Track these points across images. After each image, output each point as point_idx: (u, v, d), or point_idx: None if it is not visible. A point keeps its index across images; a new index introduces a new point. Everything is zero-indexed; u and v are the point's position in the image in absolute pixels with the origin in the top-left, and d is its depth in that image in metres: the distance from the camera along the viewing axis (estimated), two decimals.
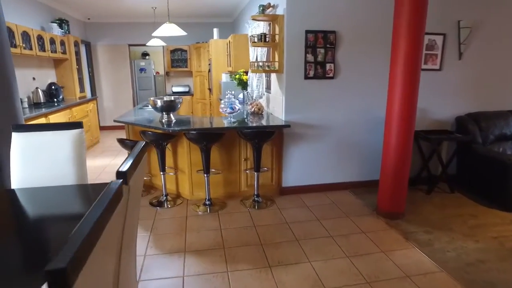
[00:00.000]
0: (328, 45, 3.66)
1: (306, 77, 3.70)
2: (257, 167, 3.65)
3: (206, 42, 7.51)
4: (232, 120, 3.81)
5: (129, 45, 8.20)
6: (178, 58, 8.22)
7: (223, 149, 3.79)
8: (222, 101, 3.78)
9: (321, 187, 4.06)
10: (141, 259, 2.72)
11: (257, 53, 4.49)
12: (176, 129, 3.43)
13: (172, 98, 4.05)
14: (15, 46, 4.46)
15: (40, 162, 2.12)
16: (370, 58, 3.78)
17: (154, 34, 4.43)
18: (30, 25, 5.27)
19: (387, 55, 3.35)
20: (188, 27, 8.17)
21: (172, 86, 8.29)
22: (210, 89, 7.65)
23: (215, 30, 6.69)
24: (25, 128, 2.19)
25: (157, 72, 10.39)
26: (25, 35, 4.73)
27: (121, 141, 3.92)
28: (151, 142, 3.66)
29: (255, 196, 3.76)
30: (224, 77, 6.38)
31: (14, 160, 2.13)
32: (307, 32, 3.59)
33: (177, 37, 8.34)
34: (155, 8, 6.30)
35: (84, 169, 2.24)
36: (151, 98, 3.81)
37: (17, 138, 2.15)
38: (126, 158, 1.35)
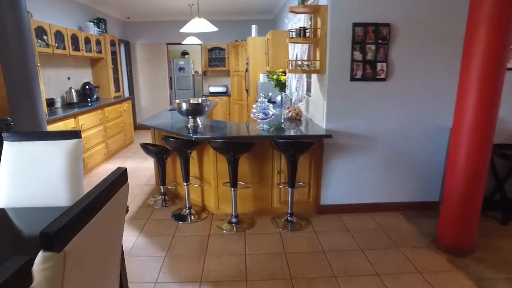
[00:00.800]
0: (380, 41, 3.07)
1: (353, 78, 3.14)
2: (292, 182, 3.16)
3: (245, 40, 7.12)
4: (265, 126, 3.35)
5: (167, 43, 8.04)
6: (215, 57, 7.92)
7: (254, 160, 3.35)
8: (254, 105, 3.33)
9: (365, 207, 3.47)
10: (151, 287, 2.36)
11: (297, 51, 4.00)
12: (199, 136, 3.04)
13: (200, 100, 3.68)
14: (48, 46, 4.34)
15: (29, 178, 1.81)
16: (432, 55, 3.14)
17: (182, 30, 4.09)
18: (69, 25, 5.19)
19: (455, 51, 2.71)
20: (226, 24, 7.88)
21: (210, 86, 8.02)
22: (247, 90, 7.25)
23: (253, 27, 6.27)
24: (17, 137, 1.89)
25: (196, 72, 10.21)
26: (59, 35, 4.61)
27: (144, 147, 3.62)
28: (173, 149, 3.31)
29: (288, 215, 3.27)
30: (262, 78, 5.94)
31: (1, 174, 1.83)
32: (355, 25, 3.03)
33: (215, 35, 8.05)
34: (192, 5, 6.01)
35: (80, 187, 1.90)
36: (176, 101, 3.46)
37: (7, 149, 1.86)
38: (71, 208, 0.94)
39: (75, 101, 5.11)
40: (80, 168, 1.91)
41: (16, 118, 3.32)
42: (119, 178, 1.14)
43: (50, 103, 4.62)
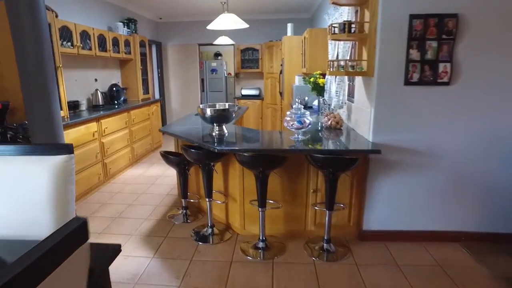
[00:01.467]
0: (444, 36, 2.51)
1: (408, 82, 2.60)
2: (330, 204, 2.67)
3: (279, 40, 6.68)
4: (300, 137, 2.88)
5: (199, 44, 7.78)
6: (249, 58, 7.54)
7: (286, 176, 2.89)
8: (288, 113, 2.88)
9: (418, 235, 2.91)
10: None
11: (338, 51, 3.50)
12: (223, 148, 2.63)
13: (227, 105, 3.28)
14: (73, 46, 4.14)
15: (3, 203, 1.47)
16: (511, 54, 2.53)
17: (209, 27, 3.72)
18: (98, 25, 5.02)
19: None
20: (260, 24, 7.49)
21: (242, 88, 7.66)
22: (281, 93, 6.80)
23: (289, 25, 5.82)
24: None
25: (229, 73, 9.91)
26: (85, 35, 4.41)
27: (164, 156, 3.28)
28: (194, 161, 2.93)
29: (324, 242, 2.78)
30: (298, 80, 5.47)
31: None
32: (412, 17, 2.50)
33: (248, 35, 7.69)
34: (224, 3, 5.65)
35: (70, 216, 1.54)
36: (200, 106, 3.09)
37: None
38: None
39: (100, 103, 4.91)
40: (71, 191, 1.55)
41: (31, 122, 3.09)
42: (75, 234, 0.74)
43: (74, 105, 4.43)
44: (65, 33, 4.03)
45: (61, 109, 3.74)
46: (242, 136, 3.09)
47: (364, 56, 2.82)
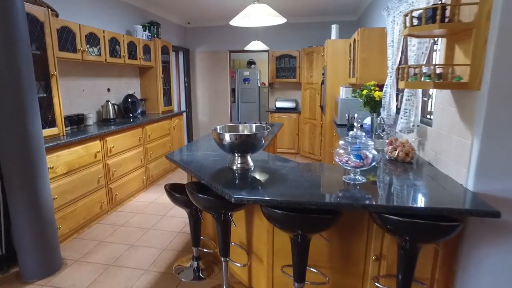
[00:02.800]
0: None
1: None
2: (406, 282, 1.72)
3: (321, 45, 5.78)
4: (359, 179, 1.95)
5: (230, 51, 7.04)
6: (284, 67, 6.68)
7: (335, 235, 1.97)
8: (342, 142, 1.96)
9: None
10: None
11: (409, 53, 2.54)
12: (244, 197, 1.75)
13: (254, 128, 2.43)
14: (75, 51, 3.49)
15: None
16: None
17: (232, 22, 2.89)
18: (115, 29, 4.43)
19: None
20: (298, 28, 6.62)
21: (276, 100, 6.80)
22: (322, 107, 5.87)
23: (334, 27, 4.91)
24: None
25: (263, 83, 9.12)
26: (92, 38, 3.77)
27: (170, 193, 2.47)
28: (204, 209, 2.09)
29: None
30: (344, 92, 4.54)
31: None
32: None
33: (284, 40, 6.85)
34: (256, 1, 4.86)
35: None
36: (217, 129, 2.26)
37: None
38: None
39: (111, 116, 4.24)
40: None
41: (2, 145, 2.40)
42: None
43: (78, 120, 3.78)
44: (67, 35, 3.38)
45: (53, 125, 3.07)
46: (273, 173, 2.21)
47: (459, 59, 1.86)
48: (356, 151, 1.89)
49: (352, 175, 1.96)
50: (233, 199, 1.72)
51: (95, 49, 3.82)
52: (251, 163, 2.25)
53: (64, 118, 3.50)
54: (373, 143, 1.92)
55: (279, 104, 6.79)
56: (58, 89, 3.14)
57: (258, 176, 2.10)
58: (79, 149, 3.21)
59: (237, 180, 2.01)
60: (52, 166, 2.86)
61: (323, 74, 5.39)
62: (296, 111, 6.62)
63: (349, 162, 1.89)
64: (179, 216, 3.75)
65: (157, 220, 3.67)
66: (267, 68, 9.20)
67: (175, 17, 6.42)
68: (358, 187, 1.86)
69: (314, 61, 5.93)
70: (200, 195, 1.93)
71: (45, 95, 3.03)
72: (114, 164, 3.79)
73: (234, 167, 2.21)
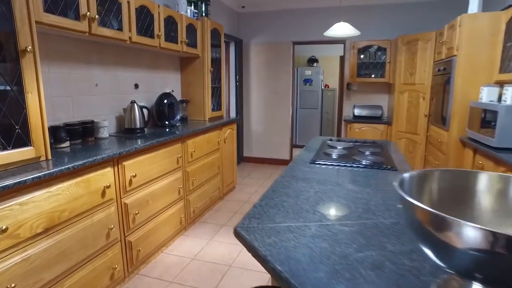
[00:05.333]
0: None
1: None
2: None
3: (433, 30, 4.08)
4: None
5: (294, 42, 5.51)
6: (369, 62, 5.03)
7: None
8: None
9: None
10: None
11: None
12: None
13: None
14: (78, 17, 2.12)
15: None
16: None
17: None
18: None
19: None
20: (393, 9, 4.88)
21: (355, 106, 5.15)
22: (428, 116, 4.16)
23: None
24: None
25: (326, 85, 7.50)
26: (110, 1, 2.39)
27: None
28: None
29: None
30: (487, 94, 2.86)
31: None
32: None
33: (370, 26, 5.17)
34: None
35: None
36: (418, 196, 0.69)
37: None
38: None
39: (138, 125, 2.84)
40: None
41: None
42: None
43: (85, 130, 2.40)
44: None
45: (24, 143, 1.68)
46: None
47: None
48: None
49: None
50: None
51: (114, 20, 2.43)
52: None
53: (59, 128, 2.14)
54: None
55: (359, 112, 5.13)
56: (37, 79, 1.75)
57: None
58: (71, 185, 1.80)
59: None
60: (4, 227, 1.45)
61: (441, 69, 3.68)
62: (380, 120, 4.94)
63: None
64: (248, 277, 2.24)
65: None
66: (334, 66, 7.60)
67: None
68: None
69: (419, 53, 4.22)
70: None
71: (8, 87, 1.64)
72: (137, 202, 2.36)
73: None
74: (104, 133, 2.60)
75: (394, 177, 1.73)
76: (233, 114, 5.64)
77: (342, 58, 7.51)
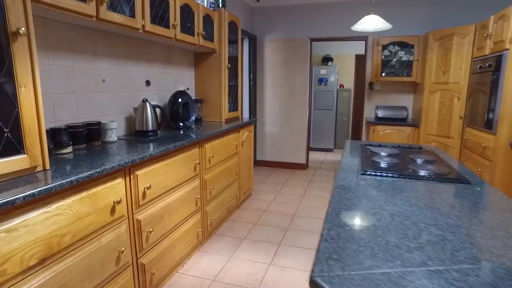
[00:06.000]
0: None
1: None
2: None
3: (472, 23, 3.72)
4: None
5: (311, 39, 5.15)
6: (392, 60, 4.66)
7: None
8: None
9: None
10: None
11: None
12: None
13: None
14: (84, 0, 1.77)
15: None
16: None
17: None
18: None
19: None
20: (419, 3, 4.56)
21: (378, 107, 4.79)
22: (463, 117, 3.80)
23: None
24: None
25: (341, 85, 7.15)
26: None
27: None
28: None
29: None
30: None
31: None
32: None
33: (396, 20, 4.79)
34: None
35: None
36: None
37: None
38: None
39: (150, 127, 2.49)
40: None
41: None
42: None
43: (90, 132, 2.05)
44: None
45: (16, 150, 1.32)
46: None
47: None
48: None
49: None
50: None
51: (125, 5, 2.08)
52: None
53: (60, 131, 1.79)
54: None
55: (383, 113, 4.77)
56: (33, 69, 1.41)
57: None
58: (74, 202, 1.45)
59: None
60: None
61: (481, 67, 3.32)
62: (405, 122, 4.57)
63: None
64: None
65: None
66: (347, 66, 7.24)
67: None
68: None
69: (454, 49, 3.86)
70: None
71: None
72: (150, 218, 2.01)
73: None
74: (113, 136, 2.25)
75: (473, 193, 1.38)
76: (245, 115, 5.29)
77: (358, 57, 7.17)
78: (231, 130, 3.24)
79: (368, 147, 2.42)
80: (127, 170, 1.79)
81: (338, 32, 4.94)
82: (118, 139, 2.37)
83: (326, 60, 7.02)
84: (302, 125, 5.35)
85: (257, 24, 5.30)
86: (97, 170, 1.53)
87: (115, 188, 1.69)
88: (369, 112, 5.11)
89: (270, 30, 5.26)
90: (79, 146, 1.97)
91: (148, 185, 1.94)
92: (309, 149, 5.58)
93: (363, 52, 7.11)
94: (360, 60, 7.15)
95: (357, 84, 7.29)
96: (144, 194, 1.92)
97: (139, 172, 1.87)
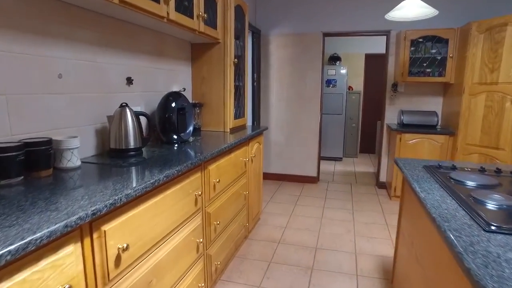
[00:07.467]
0: None
1: None
2: None
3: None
4: None
5: (324, 34, 4.46)
6: (422, 57, 3.99)
7: None
8: None
9: None
10: None
11: None
12: None
13: None
14: None
15: None
16: None
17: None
18: None
19: None
20: None
21: (403, 112, 4.10)
22: None
23: None
24: None
25: (350, 87, 6.48)
26: None
27: None
28: None
29: None
30: None
31: None
32: None
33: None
34: None
35: None
36: None
37: None
38: None
39: (132, 143, 1.74)
40: None
41: None
42: None
43: (32, 159, 1.29)
44: None
45: None
46: None
47: None
48: None
49: None
50: None
51: None
52: None
53: None
54: None
55: (409, 119, 4.08)
56: None
57: None
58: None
59: None
60: None
61: None
62: (436, 130, 3.89)
63: None
64: None
65: None
66: (356, 66, 6.57)
67: None
68: None
69: (507, 42, 3.20)
70: None
71: None
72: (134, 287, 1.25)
73: None
74: (73, 159, 1.49)
75: None
76: (248, 122, 4.55)
77: (368, 56, 6.50)
78: (240, 144, 2.50)
79: (441, 170, 1.71)
80: (86, 228, 1.03)
81: (355, 26, 4.26)
82: (82, 162, 1.60)
83: (334, 59, 6.34)
84: (313, 133, 4.64)
85: (261, 17, 4.58)
86: (34, 237, 0.77)
87: (62, 266, 0.94)
88: (391, 118, 4.43)
89: (276, 23, 4.55)
90: (10, 181, 1.21)
91: (124, 246, 1.18)
92: (320, 159, 4.87)
93: (373, 51, 6.46)
94: (371, 60, 6.49)
95: (367, 86, 6.63)
96: (118, 260, 1.17)
97: (110, 226, 1.12)
